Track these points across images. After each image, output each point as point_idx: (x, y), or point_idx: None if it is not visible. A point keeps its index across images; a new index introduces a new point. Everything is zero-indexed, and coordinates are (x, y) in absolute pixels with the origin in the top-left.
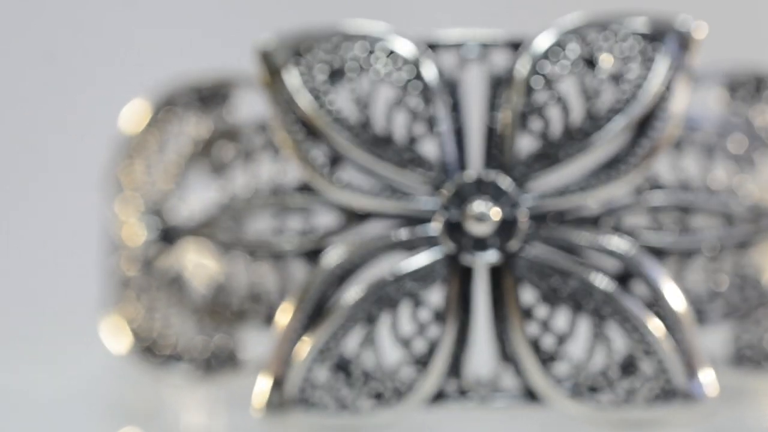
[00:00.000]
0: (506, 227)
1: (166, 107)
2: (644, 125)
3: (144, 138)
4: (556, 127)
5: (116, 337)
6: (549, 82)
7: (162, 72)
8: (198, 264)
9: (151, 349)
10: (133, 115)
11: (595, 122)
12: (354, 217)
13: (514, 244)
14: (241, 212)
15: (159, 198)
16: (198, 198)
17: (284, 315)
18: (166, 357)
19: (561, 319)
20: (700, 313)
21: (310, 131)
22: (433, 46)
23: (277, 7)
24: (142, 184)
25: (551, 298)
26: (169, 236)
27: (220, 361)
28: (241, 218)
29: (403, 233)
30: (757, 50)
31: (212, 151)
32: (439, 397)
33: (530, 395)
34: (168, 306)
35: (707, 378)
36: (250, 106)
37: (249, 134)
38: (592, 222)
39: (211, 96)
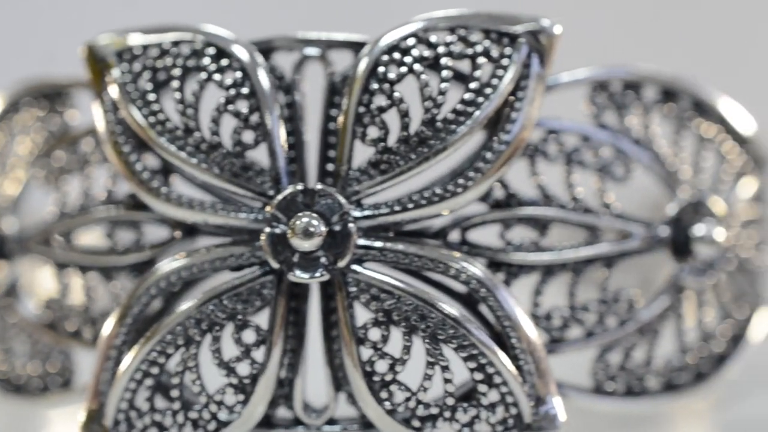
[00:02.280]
0: (337, 243)
1: (8, 111)
2: (494, 131)
3: None
4: (395, 134)
5: None
6: (387, 86)
7: None
8: (33, 279)
9: None
10: None
11: (437, 128)
12: (185, 231)
13: (344, 261)
14: (74, 225)
15: None
16: (35, 207)
17: (106, 332)
18: None
19: (395, 342)
20: (559, 336)
21: (137, 140)
22: (270, 49)
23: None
24: None
25: (385, 319)
26: (2, 249)
27: (54, 383)
28: (73, 231)
29: (229, 249)
30: (629, 54)
31: (50, 158)
32: (266, 425)
33: (365, 424)
34: (3, 323)
35: (555, 406)
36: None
37: (85, 141)
38: (437, 237)
39: (53, 99)
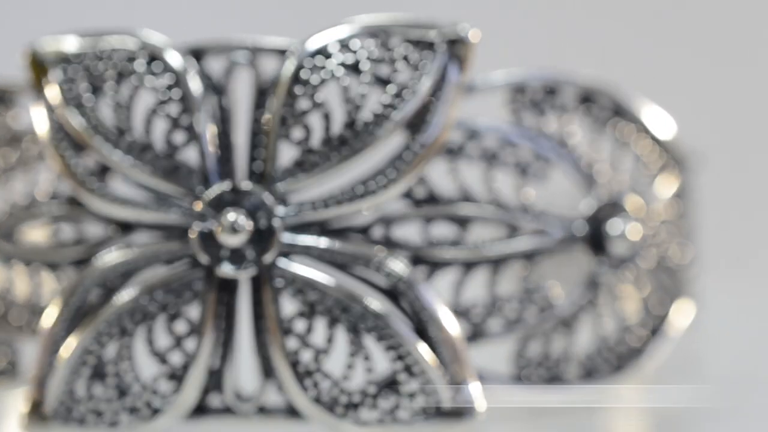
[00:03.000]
0: (263, 239)
1: None
2: (413, 133)
3: None
4: (317, 135)
5: None
6: (310, 89)
7: None
8: None
9: None
10: None
11: (357, 130)
12: (123, 228)
13: (269, 256)
14: (19, 221)
15: None
16: None
17: (47, 323)
18: None
19: (319, 334)
20: (480, 328)
21: (74, 140)
22: (201, 53)
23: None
24: None
25: (309, 312)
26: None
27: (2, 375)
28: (18, 227)
29: (163, 245)
30: (549, 57)
31: None
32: (200, 412)
33: (293, 411)
34: None
35: (474, 393)
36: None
37: (27, 141)
38: (361, 233)
39: None
